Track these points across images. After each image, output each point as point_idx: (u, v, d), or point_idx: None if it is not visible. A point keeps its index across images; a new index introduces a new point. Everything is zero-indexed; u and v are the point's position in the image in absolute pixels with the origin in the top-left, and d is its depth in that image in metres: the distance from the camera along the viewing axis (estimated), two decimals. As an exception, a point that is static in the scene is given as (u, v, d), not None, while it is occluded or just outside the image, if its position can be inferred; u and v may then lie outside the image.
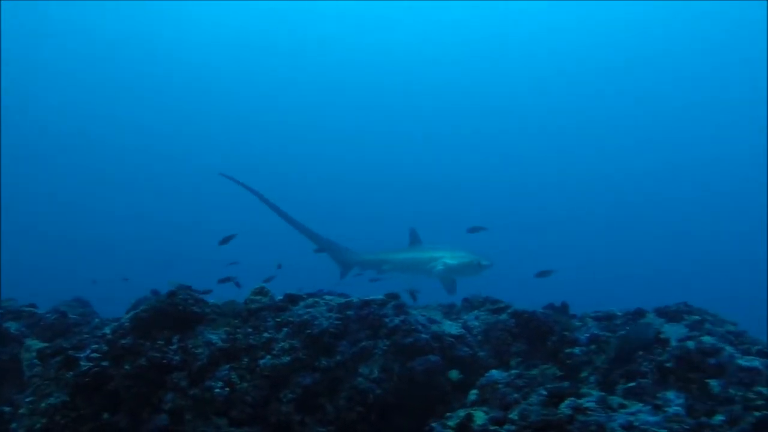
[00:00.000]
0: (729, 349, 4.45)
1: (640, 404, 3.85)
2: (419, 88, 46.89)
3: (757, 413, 3.57)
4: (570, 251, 35.18)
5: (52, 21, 43.09)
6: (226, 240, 6.97)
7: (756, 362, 4.29)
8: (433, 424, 3.74)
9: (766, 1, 35.27)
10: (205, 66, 47.31)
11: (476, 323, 5.68)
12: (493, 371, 4.07)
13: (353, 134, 47.50)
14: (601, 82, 44.92)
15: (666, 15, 40.72)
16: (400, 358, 5.05)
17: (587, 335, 5.40)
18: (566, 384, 3.93)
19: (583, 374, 5.16)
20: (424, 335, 5.08)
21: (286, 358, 5.04)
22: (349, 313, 5.31)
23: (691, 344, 4.50)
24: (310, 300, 5.49)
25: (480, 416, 3.56)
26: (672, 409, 3.86)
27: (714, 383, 4.17)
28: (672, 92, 43.80)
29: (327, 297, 5.60)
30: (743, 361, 4.30)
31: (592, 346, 5.32)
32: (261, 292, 5.55)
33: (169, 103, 47.30)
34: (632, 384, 4.54)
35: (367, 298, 5.44)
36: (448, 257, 10.05)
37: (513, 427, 3.38)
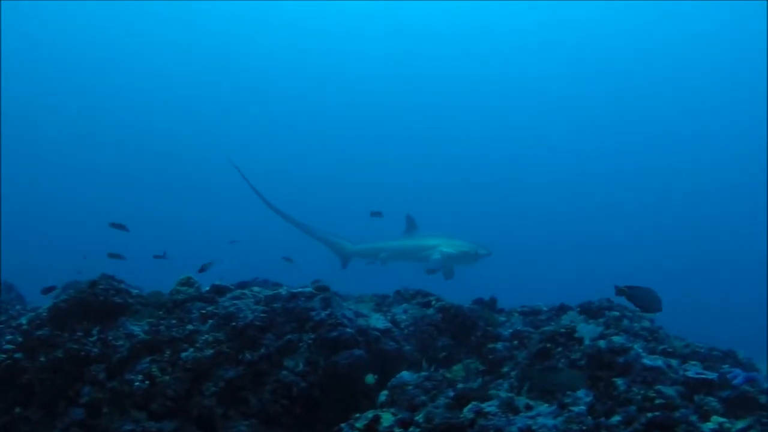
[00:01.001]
0: (637, 348, 4.64)
1: (546, 405, 3.99)
2: (417, 86, 46.72)
3: (649, 414, 3.75)
4: (568, 250, 35.69)
5: (52, 21, 42.23)
6: (116, 226, 6.91)
7: (659, 361, 4.49)
8: (342, 425, 3.78)
9: (766, 1, 35.46)
10: (203, 66, 46.74)
11: (404, 317, 5.74)
12: (404, 372, 4.14)
13: (352, 132, 47.29)
14: (600, 82, 45.00)
15: (665, 14, 40.73)
16: (325, 351, 5.07)
17: (510, 331, 5.54)
18: (477, 384, 4.03)
19: (505, 369, 5.31)
20: (349, 329, 5.11)
21: (210, 351, 4.99)
22: (275, 305, 5.28)
23: (602, 343, 4.67)
24: (238, 291, 5.43)
25: (387, 418, 3.62)
26: (577, 409, 4.01)
27: (620, 381, 4.34)
28: (671, 92, 44.01)
29: (255, 289, 5.54)
30: (648, 360, 4.49)
31: (515, 342, 5.47)
32: (187, 282, 5.46)
33: (169, 103, 46.73)
34: (548, 380, 4.69)
35: (294, 291, 5.42)
36: (445, 245, 9.99)
37: (417, 430, 3.46)
